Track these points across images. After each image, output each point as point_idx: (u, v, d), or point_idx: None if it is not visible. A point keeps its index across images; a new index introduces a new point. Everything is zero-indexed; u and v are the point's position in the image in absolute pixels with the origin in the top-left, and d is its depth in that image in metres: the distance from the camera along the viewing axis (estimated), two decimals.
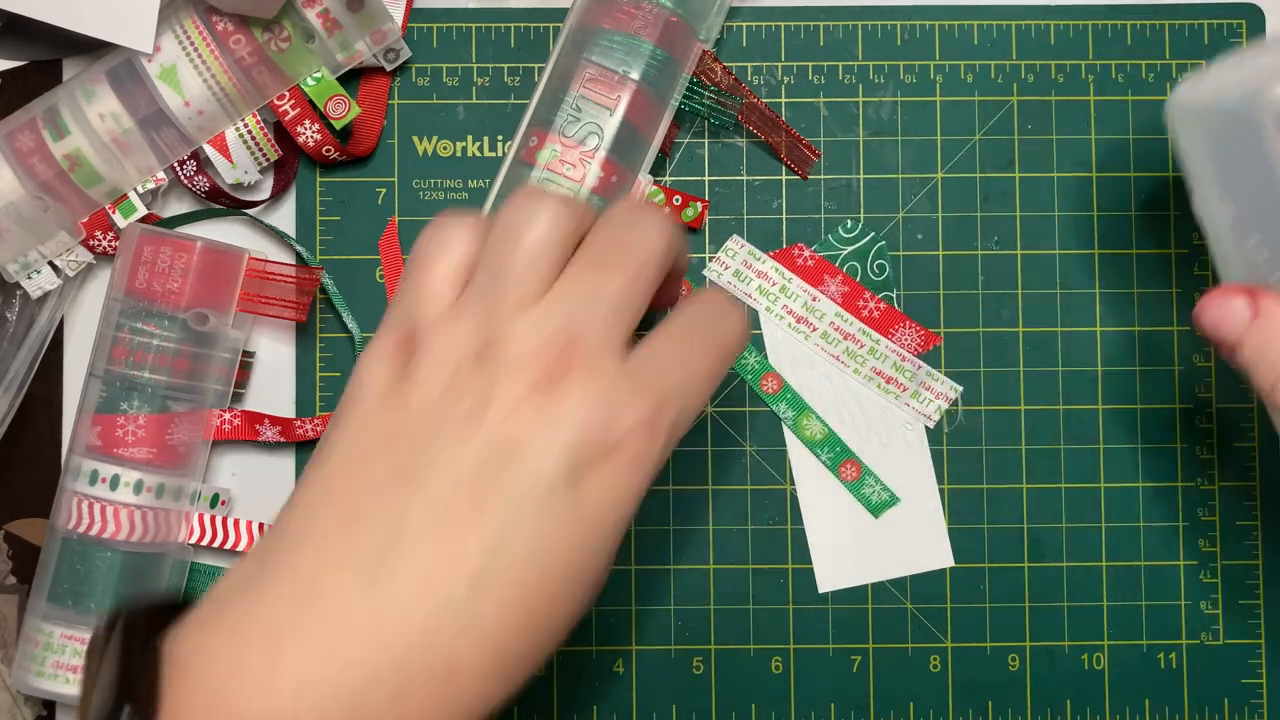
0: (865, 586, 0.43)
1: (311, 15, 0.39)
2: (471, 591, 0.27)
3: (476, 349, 0.29)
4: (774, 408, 0.42)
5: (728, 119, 0.42)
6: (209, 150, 0.41)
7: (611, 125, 0.40)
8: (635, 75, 0.40)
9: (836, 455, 0.43)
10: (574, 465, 0.28)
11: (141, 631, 0.28)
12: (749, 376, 0.42)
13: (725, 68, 0.42)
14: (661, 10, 0.40)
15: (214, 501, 0.41)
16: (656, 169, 0.42)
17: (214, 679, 0.27)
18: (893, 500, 0.43)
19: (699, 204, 0.42)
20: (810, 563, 0.43)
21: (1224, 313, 0.34)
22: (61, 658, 0.39)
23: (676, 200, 0.42)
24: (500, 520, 0.28)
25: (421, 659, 0.27)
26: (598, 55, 0.40)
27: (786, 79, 0.44)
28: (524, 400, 0.28)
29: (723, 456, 0.43)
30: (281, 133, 0.42)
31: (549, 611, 0.29)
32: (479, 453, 0.28)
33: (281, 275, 0.41)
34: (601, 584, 0.30)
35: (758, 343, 0.43)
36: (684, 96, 0.42)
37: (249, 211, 0.43)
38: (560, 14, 0.43)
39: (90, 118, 0.39)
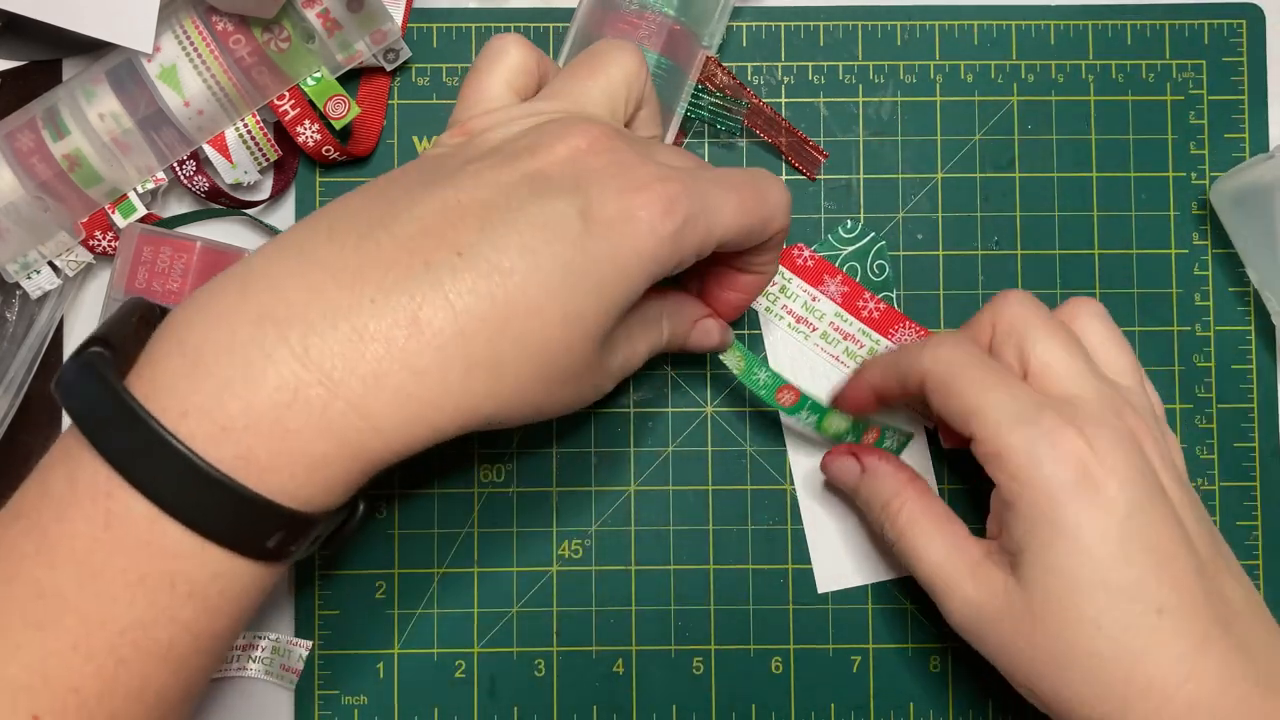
0: (865, 586, 0.43)
1: (311, 15, 0.39)
2: (454, 262, 0.28)
3: (536, 122, 0.32)
4: (796, 418, 0.41)
5: (734, 124, 0.42)
6: (209, 150, 0.41)
7: None
8: None
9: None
10: (585, 208, 0.29)
11: (147, 310, 0.30)
12: (762, 392, 0.40)
13: (729, 73, 0.42)
14: (665, 19, 0.40)
15: None
16: None
17: (182, 324, 0.28)
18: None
19: None
20: (810, 563, 0.43)
21: (840, 469, 0.40)
22: None
23: None
24: (504, 217, 0.29)
25: (384, 306, 0.28)
26: None
27: (786, 79, 0.44)
28: (562, 155, 0.30)
29: (723, 456, 0.43)
30: (281, 133, 0.42)
31: (525, 321, 0.29)
32: (509, 176, 0.30)
33: None
34: (597, 336, 0.30)
35: (756, 346, 0.43)
36: (689, 103, 0.42)
37: (249, 211, 0.43)
38: (561, 14, 0.43)
39: (90, 118, 0.39)
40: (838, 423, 0.41)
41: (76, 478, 0.27)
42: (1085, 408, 0.34)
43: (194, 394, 0.27)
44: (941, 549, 0.36)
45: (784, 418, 0.43)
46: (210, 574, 0.28)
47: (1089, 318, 0.37)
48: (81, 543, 0.27)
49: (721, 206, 0.31)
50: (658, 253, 0.30)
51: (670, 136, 0.41)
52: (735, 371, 0.40)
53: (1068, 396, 0.34)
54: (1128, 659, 0.32)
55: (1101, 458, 0.32)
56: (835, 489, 0.43)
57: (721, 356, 0.40)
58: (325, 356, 0.27)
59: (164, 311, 0.31)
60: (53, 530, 0.27)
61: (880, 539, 0.39)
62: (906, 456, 0.43)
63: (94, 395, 0.27)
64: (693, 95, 0.42)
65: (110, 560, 0.27)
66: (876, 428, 0.42)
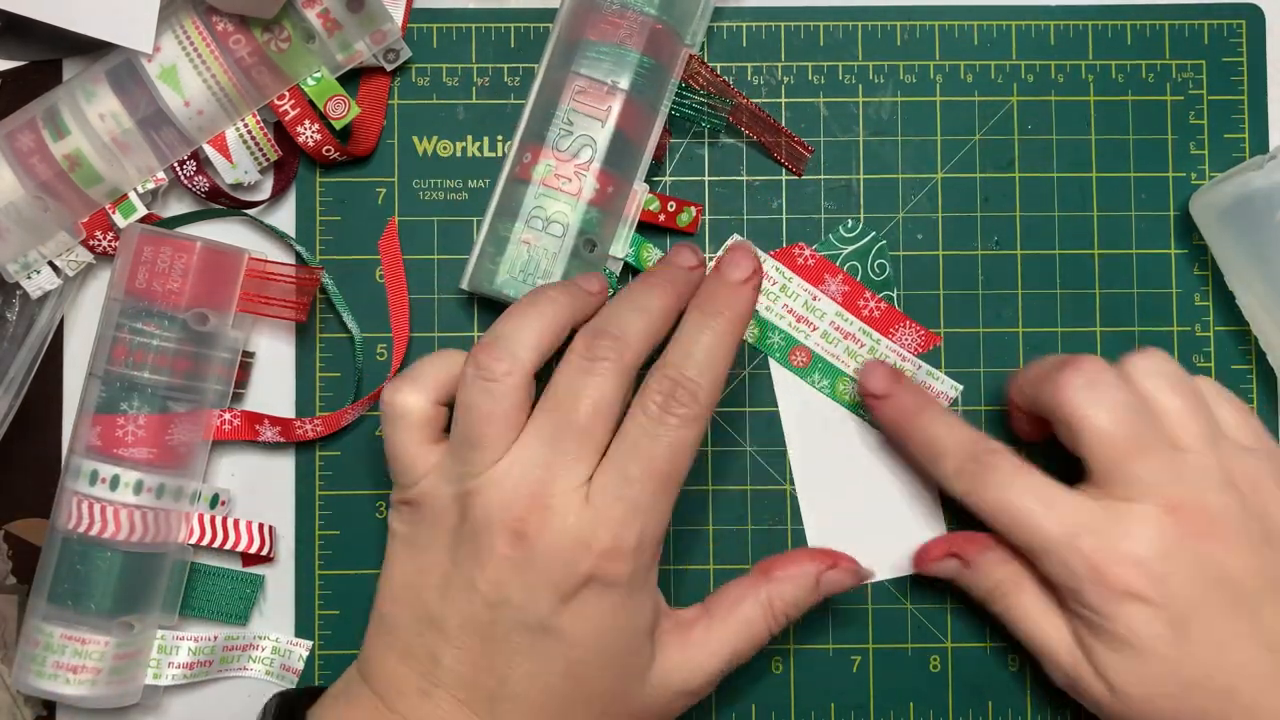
0: (865, 586, 0.43)
1: (311, 15, 0.39)
2: (491, 708, 0.34)
3: (459, 508, 0.35)
4: (808, 380, 0.42)
5: (718, 121, 0.42)
6: (209, 150, 0.41)
7: (604, 136, 0.40)
8: (624, 85, 0.40)
9: None
10: (551, 601, 0.34)
11: (291, 704, 0.37)
12: (776, 355, 0.42)
13: (712, 70, 0.42)
14: (646, 18, 0.40)
15: (214, 502, 0.41)
16: (651, 175, 0.42)
17: None
18: None
19: (693, 209, 0.42)
20: None
21: (941, 569, 0.40)
22: (61, 658, 0.39)
23: (671, 207, 0.42)
24: (503, 655, 0.34)
25: None
26: (585, 67, 0.40)
27: (786, 79, 0.44)
28: (503, 556, 0.34)
29: (723, 456, 0.43)
30: (281, 133, 0.42)
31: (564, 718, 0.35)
32: (476, 608, 0.34)
33: (281, 275, 0.41)
34: (640, 693, 0.36)
35: (765, 325, 0.43)
36: (673, 102, 0.42)
37: (249, 211, 0.43)
38: (554, 15, 0.43)
39: (90, 118, 0.39)
40: (851, 389, 0.42)
41: None
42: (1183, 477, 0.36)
43: None
44: (1044, 634, 0.38)
45: (786, 395, 0.43)
46: None
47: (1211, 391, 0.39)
48: None
49: (653, 505, 0.35)
50: (632, 599, 0.35)
51: (655, 136, 0.41)
52: (750, 339, 0.42)
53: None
54: None
55: (1160, 560, 0.35)
56: (835, 489, 0.43)
57: None
58: None
59: (298, 695, 0.38)
60: None
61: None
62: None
63: None
64: (677, 94, 0.42)
65: None
66: None
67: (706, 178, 0.43)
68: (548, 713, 0.35)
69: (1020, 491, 0.37)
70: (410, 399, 0.37)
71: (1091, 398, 0.36)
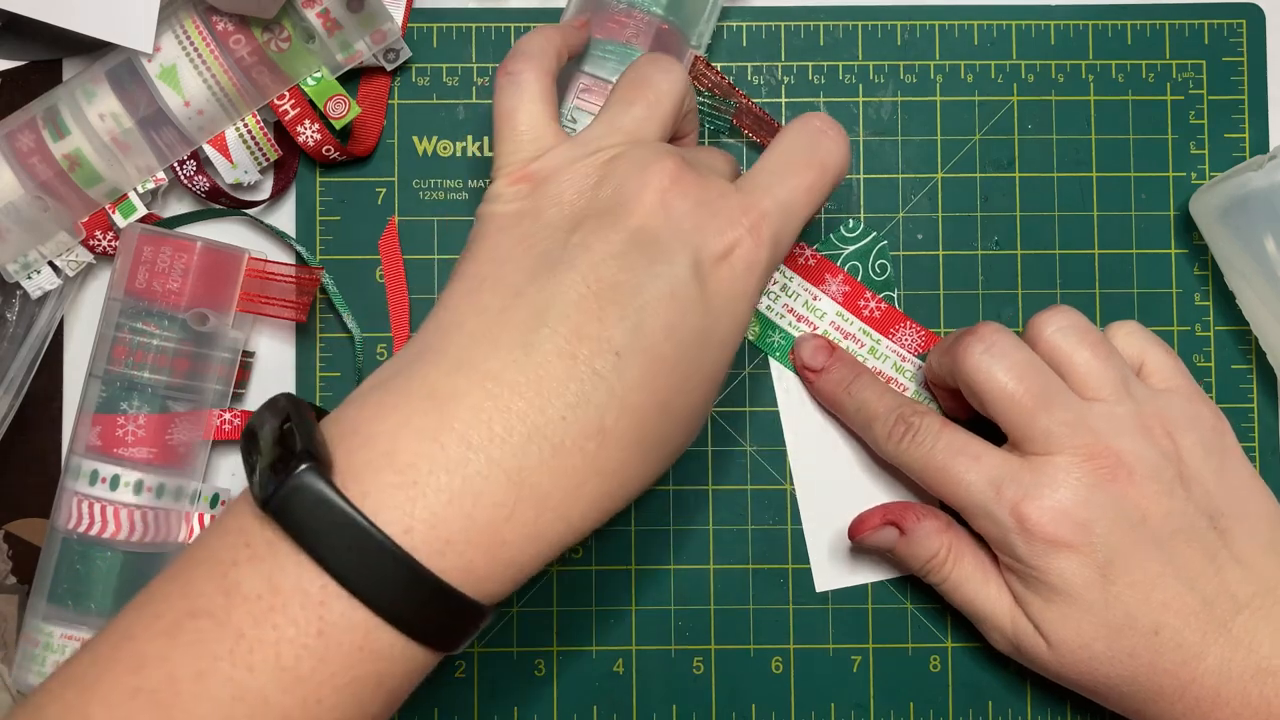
0: (865, 586, 0.43)
1: (311, 15, 0.39)
2: (617, 363, 0.30)
3: (603, 163, 0.33)
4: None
5: (722, 123, 0.42)
6: (209, 150, 0.41)
7: None
8: None
9: None
10: (697, 263, 0.32)
11: (301, 407, 0.30)
12: (776, 354, 0.43)
13: (718, 72, 0.42)
14: (652, 18, 0.40)
15: (214, 501, 0.41)
16: None
17: (385, 438, 0.29)
18: None
19: None
20: (809, 563, 0.43)
21: (879, 539, 0.40)
22: (61, 658, 0.39)
23: None
24: (639, 303, 0.31)
25: (575, 422, 0.30)
26: (591, 66, 0.40)
27: (786, 79, 0.44)
28: (654, 205, 0.32)
29: (723, 456, 0.43)
30: (281, 133, 0.42)
31: (683, 391, 0.32)
32: (617, 244, 0.31)
33: (281, 275, 0.41)
34: (721, 381, 0.34)
35: (766, 325, 0.43)
36: None
37: (249, 211, 0.43)
38: (560, 14, 0.43)
39: (90, 118, 0.39)
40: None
41: (278, 583, 0.28)
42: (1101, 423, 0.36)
43: (418, 510, 0.28)
44: (984, 598, 0.39)
45: (784, 392, 0.43)
46: (409, 669, 0.29)
47: (1126, 333, 0.39)
48: (289, 648, 0.27)
49: (795, 202, 0.34)
50: (761, 281, 0.33)
51: None
52: (751, 337, 0.42)
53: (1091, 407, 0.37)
54: (1141, 677, 0.36)
55: (1081, 507, 0.36)
56: (835, 489, 0.43)
57: None
58: (532, 473, 0.29)
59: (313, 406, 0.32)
60: (250, 634, 0.27)
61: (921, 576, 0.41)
62: None
63: (317, 511, 0.28)
64: None
65: (321, 666, 0.28)
66: None
67: None
68: (674, 376, 0.31)
69: (946, 450, 0.38)
70: (534, 66, 0.35)
71: (991, 361, 0.37)
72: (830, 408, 0.43)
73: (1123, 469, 0.36)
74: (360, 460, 0.29)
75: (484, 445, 0.29)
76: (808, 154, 0.35)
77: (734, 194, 0.33)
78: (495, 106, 0.35)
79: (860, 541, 0.41)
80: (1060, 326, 0.37)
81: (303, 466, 0.28)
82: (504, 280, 0.31)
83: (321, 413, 0.32)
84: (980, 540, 0.39)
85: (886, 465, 0.43)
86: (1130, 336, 0.39)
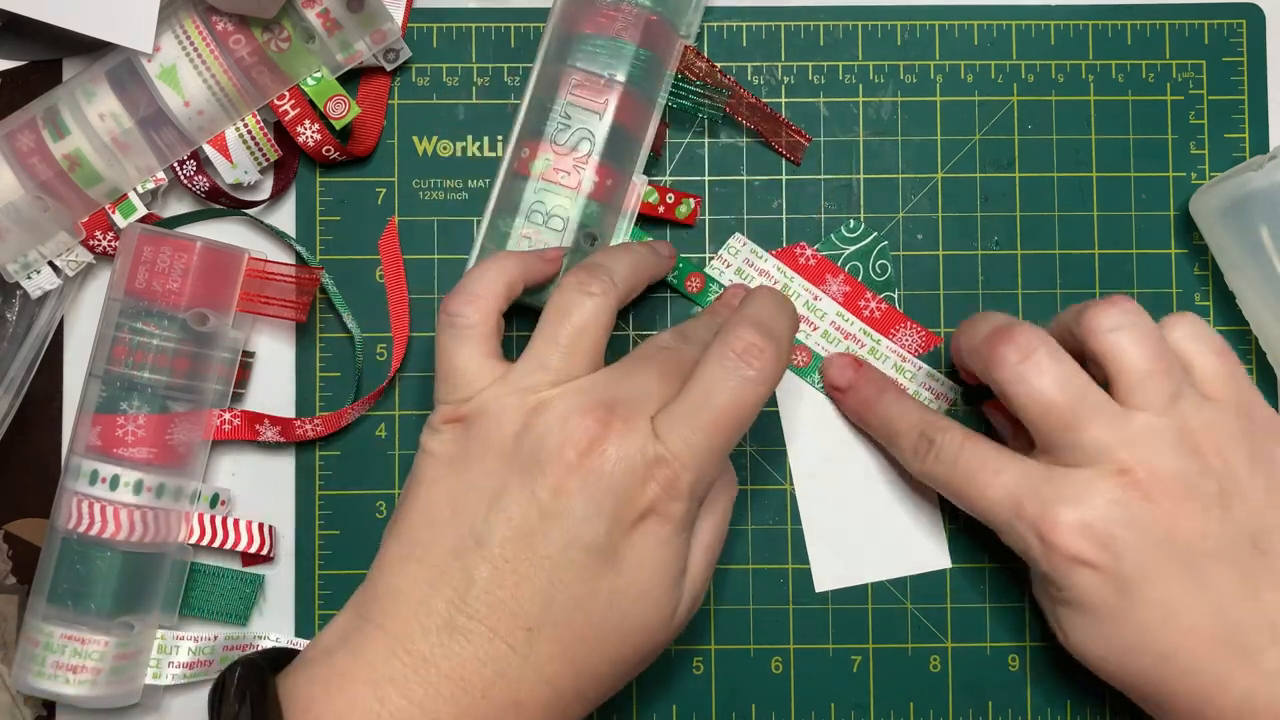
0: (865, 586, 0.43)
1: (311, 15, 0.39)
2: (529, 638, 0.33)
3: (524, 420, 0.34)
4: (808, 380, 0.43)
5: (716, 112, 0.42)
6: (209, 150, 0.41)
7: (602, 129, 0.40)
8: (621, 77, 0.40)
9: None
10: (611, 529, 0.33)
11: (259, 673, 0.33)
12: None
13: (709, 61, 0.42)
14: (641, 10, 0.40)
15: (214, 501, 0.41)
16: (649, 169, 0.42)
17: (331, 716, 0.32)
18: None
19: (691, 200, 0.42)
20: (809, 563, 0.43)
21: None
22: (61, 658, 0.39)
23: (670, 198, 0.42)
24: (549, 577, 0.33)
25: (493, 698, 0.32)
26: (582, 61, 0.40)
27: (786, 79, 0.44)
28: (570, 469, 0.33)
29: None
30: (281, 133, 0.42)
31: (600, 654, 0.33)
32: (533, 517, 0.33)
33: (281, 275, 0.41)
34: (661, 629, 0.35)
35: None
36: (670, 94, 0.42)
37: (249, 211, 0.43)
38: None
39: (90, 118, 0.39)
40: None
41: None
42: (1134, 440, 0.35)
43: None
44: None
45: (798, 397, 0.43)
46: None
47: (1184, 328, 0.37)
48: None
49: (715, 443, 0.34)
50: (684, 529, 0.34)
51: (653, 128, 0.41)
52: None
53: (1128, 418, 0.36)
54: (1155, 695, 0.36)
55: (1104, 523, 0.35)
56: (835, 489, 0.43)
57: None
58: None
59: (264, 657, 0.35)
60: None
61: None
62: None
63: None
64: (674, 86, 0.42)
65: None
66: None
67: (707, 177, 0.43)
68: (586, 644, 0.33)
69: (969, 463, 0.37)
70: (479, 308, 0.36)
71: (1026, 371, 0.36)
72: (859, 425, 0.42)
73: (1156, 486, 0.35)
74: None
75: None
76: (733, 385, 0.34)
77: (650, 444, 0.33)
78: (436, 342, 0.36)
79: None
80: (1118, 326, 0.35)
81: None
82: (433, 550, 0.34)
83: (286, 655, 0.35)
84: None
85: (886, 466, 0.43)
86: (1185, 338, 0.37)
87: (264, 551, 0.41)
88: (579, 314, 0.35)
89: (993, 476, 0.36)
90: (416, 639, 0.33)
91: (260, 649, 0.39)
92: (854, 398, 0.42)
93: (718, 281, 0.43)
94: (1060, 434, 0.35)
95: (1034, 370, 0.35)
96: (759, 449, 0.43)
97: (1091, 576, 0.35)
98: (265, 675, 0.33)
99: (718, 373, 0.34)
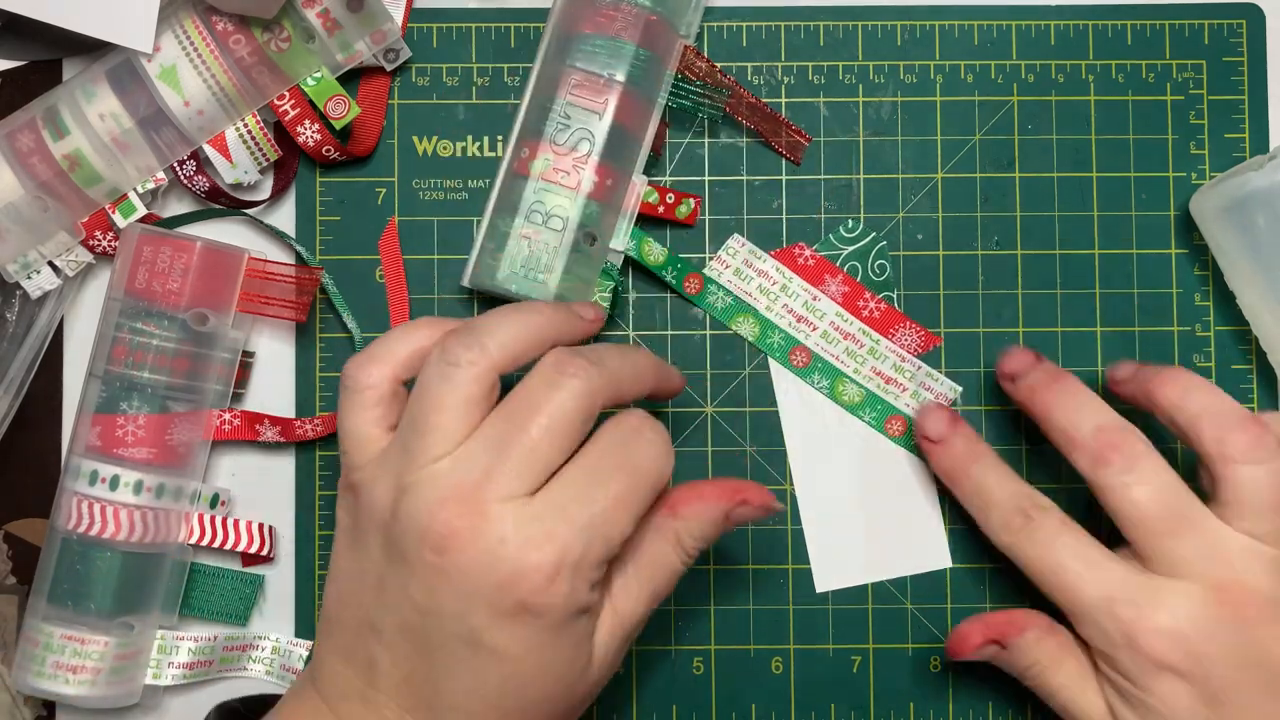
0: (865, 586, 0.43)
1: (311, 15, 0.39)
2: (434, 718, 0.33)
3: (392, 503, 0.33)
4: (808, 380, 0.43)
5: (716, 112, 0.42)
6: (209, 150, 0.41)
7: (602, 129, 0.40)
8: (620, 77, 0.40)
9: (880, 413, 0.43)
10: (486, 617, 0.32)
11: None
12: (776, 354, 0.43)
13: (709, 61, 0.42)
14: (640, 10, 0.40)
15: (214, 501, 0.41)
16: (649, 169, 0.42)
17: None
18: None
19: (691, 200, 0.42)
20: (810, 563, 0.43)
21: (979, 656, 0.39)
22: (61, 658, 0.39)
23: (670, 198, 0.42)
24: (438, 664, 0.33)
25: None
26: (581, 60, 0.40)
27: (786, 79, 0.44)
28: (430, 563, 0.32)
29: (723, 456, 0.43)
30: (281, 133, 0.42)
31: None
32: (411, 615, 0.33)
33: (281, 275, 0.41)
34: (568, 700, 0.34)
35: (765, 325, 0.43)
36: (670, 93, 0.42)
37: (249, 211, 0.43)
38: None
39: (90, 118, 0.39)
40: (850, 390, 0.42)
41: None
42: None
43: None
44: (1082, 704, 0.37)
45: (789, 395, 0.43)
46: None
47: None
48: None
49: (602, 520, 0.32)
50: (566, 622, 0.32)
51: (652, 128, 0.41)
52: (750, 337, 0.42)
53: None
54: None
55: (1199, 637, 0.34)
56: (834, 489, 0.43)
57: (734, 325, 0.42)
58: None
59: (244, 705, 0.38)
60: None
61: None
62: (906, 455, 0.43)
63: None
64: (673, 86, 0.42)
65: None
66: (901, 417, 0.43)
67: (706, 177, 0.43)
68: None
69: (1062, 551, 0.37)
70: (374, 373, 0.35)
71: (1129, 482, 0.35)
72: (945, 481, 0.41)
73: (1252, 606, 0.34)
74: None
75: None
76: (620, 456, 0.33)
77: (520, 526, 0.31)
78: (340, 397, 0.36)
79: (960, 658, 0.39)
80: (1254, 460, 0.35)
81: None
82: (344, 629, 0.35)
83: (260, 705, 0.37)
84: (1081, 642, 0.38)
85: (886, 466, 0.43)
86: None
87: (264, 552, 0.41)
88: (436, 391, 0.33)
89: (1087, 570, 0.36)
90: (339, 704, 0.34)
91: (243, 696, 0.41)
92: (947, 454, 0.40)
93: (716, 282, 0.43)
94: (1156, 542, 0.35)
95: (1138, 481, 0.35)
96: (759, 449, 0.43)
97: (1178, 686, 0.35)
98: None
99: (610, 438, 0.33)
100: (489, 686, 0.32)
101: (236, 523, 0.41)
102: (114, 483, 0.39)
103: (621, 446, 0.33)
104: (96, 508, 0.39)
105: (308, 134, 0.41)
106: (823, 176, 0.43)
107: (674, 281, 0.43)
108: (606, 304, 0.41)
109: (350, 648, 0.34)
